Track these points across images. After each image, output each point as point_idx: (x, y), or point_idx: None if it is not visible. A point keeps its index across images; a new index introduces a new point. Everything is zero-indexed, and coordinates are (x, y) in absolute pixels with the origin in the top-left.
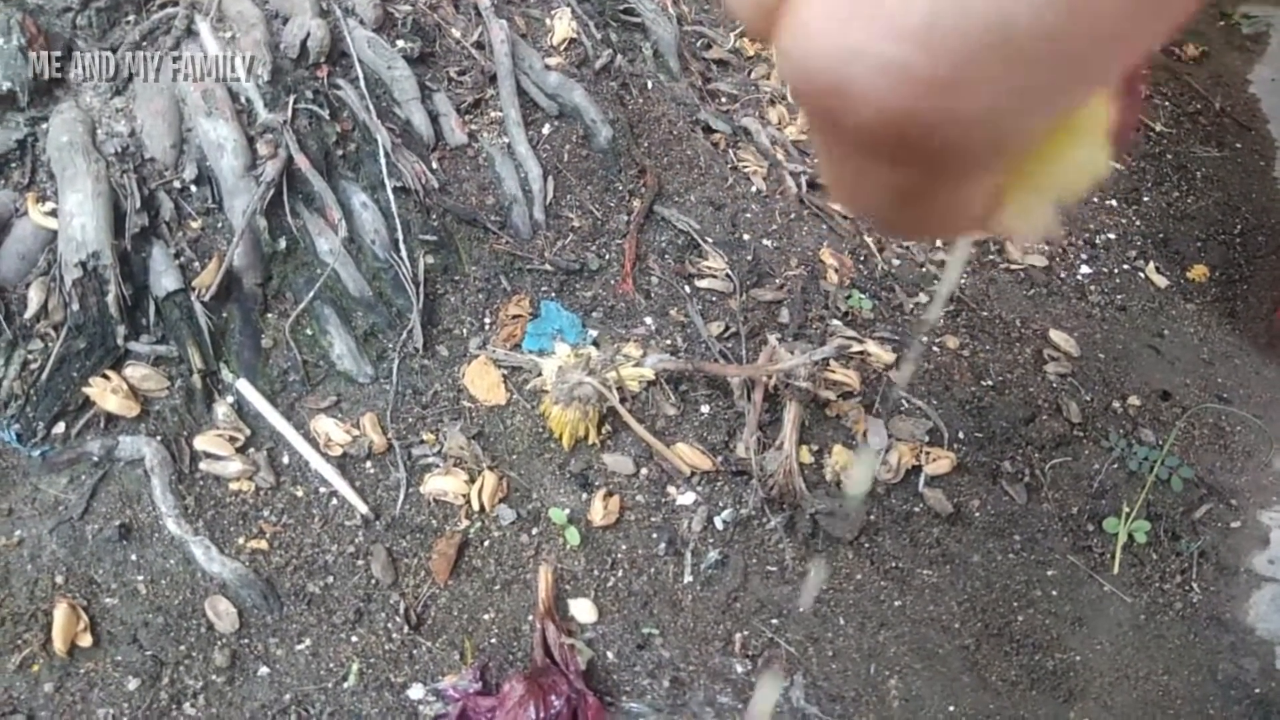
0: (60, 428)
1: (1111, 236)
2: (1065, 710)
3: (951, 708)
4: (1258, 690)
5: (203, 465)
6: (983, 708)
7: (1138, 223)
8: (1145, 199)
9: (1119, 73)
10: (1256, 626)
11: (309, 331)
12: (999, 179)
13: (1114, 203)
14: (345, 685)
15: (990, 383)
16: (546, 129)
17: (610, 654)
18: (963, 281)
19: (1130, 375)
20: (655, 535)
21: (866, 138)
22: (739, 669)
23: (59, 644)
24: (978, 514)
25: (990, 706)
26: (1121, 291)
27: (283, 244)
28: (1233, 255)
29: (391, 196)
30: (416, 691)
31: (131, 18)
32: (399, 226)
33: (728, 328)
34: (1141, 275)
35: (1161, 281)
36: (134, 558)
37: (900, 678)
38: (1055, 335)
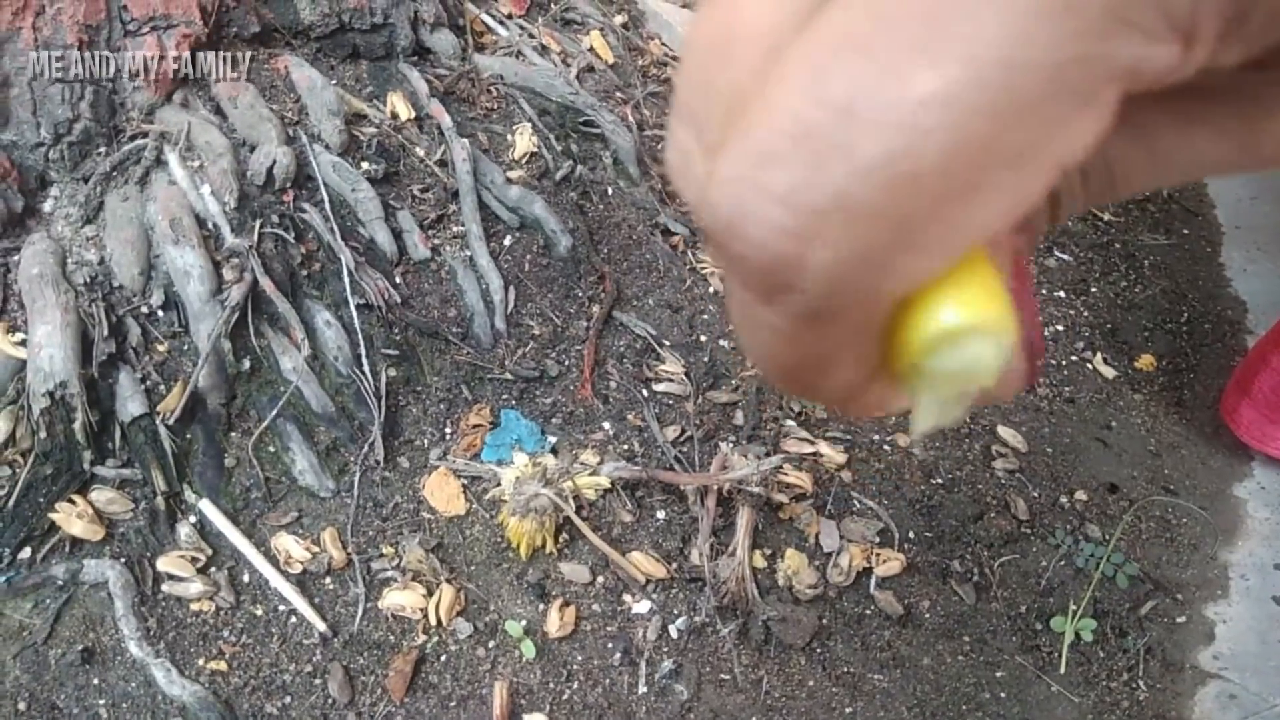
0: (26, 553)
1: (1060, 328)
2: None
3: None
4: None
5: (165, 587)
6: None
7: (1085, 313)
8: (1093, 289)
9: (971, 241)
10: None
11: (271, 449)
12: (866, 344)
13: (1062, 294)
14: None
15: (940, 480)
16: (508, 240)
17: None
18: None
19: (1078, 469)
20: (610, 645)
21: (741, 274)
22: None
23: None
24: (928, 615)
25: None
26: (1070, 384)
27: (247, 364)
28: (1179, 344)
29: (355, 313)
30: None
31: (103, 149)
32: (361, 342)
33: (684, 431)
34: (1089, 366)
35: (1109, 372)
36: (96, 681)
37: None
38: (1003, 431)
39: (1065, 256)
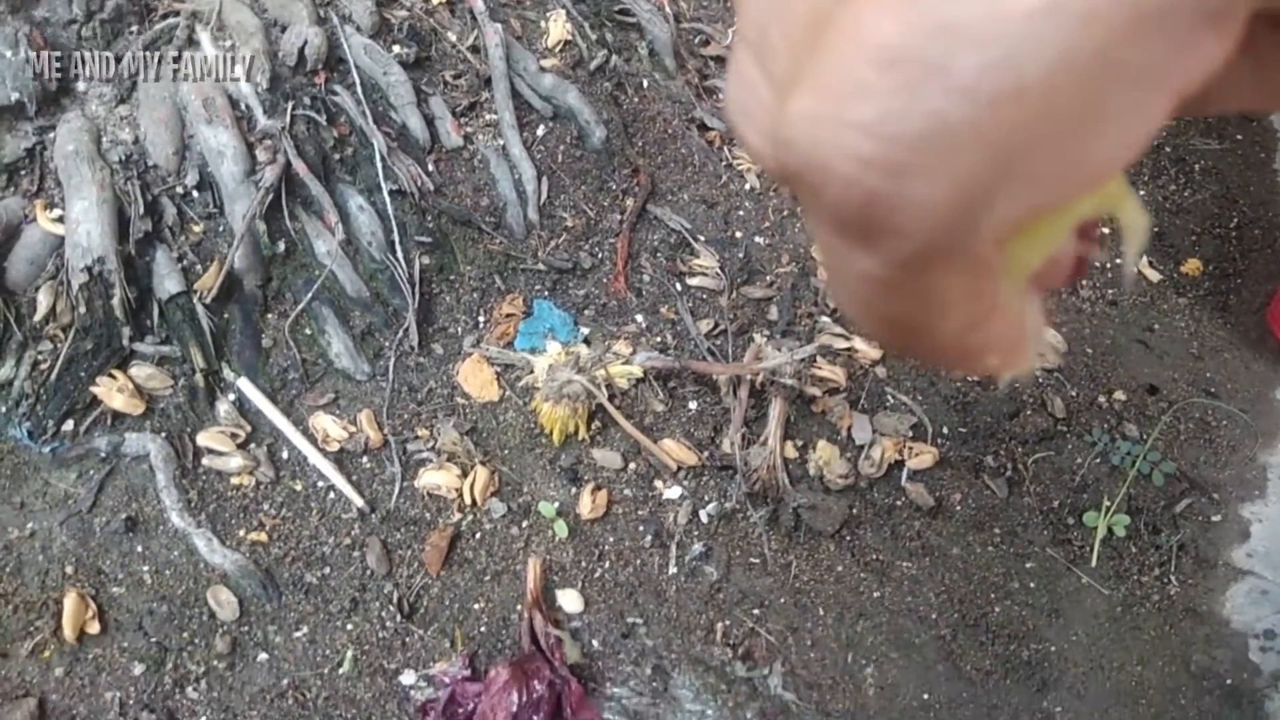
0: (69, 425)
1: (1105, 231)
2: (1039, 699)
3: (926, 695)
4: (1229, 681)
5: (205, 461)
6: (956, 696)
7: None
8: (1141, 192)
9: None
10: (1231, 619)
11: (307, 331)
12: (976, 288)
13: None
14: (340, 671)
15: (975, 378)
16: (541, 130)
17: (595, 642)
18: None
19: (1118, 370)
20: (642, 528)
21: (831, 219)
22: (720, 657)
23: (69, 631)
24: (959, 508)
25: (964, 695)
26: (1113, 286)
27: (282, 247)
28: (1227, 249)
29: (388, 199)
30: (408, 677)
31: (135, 28)
32: (395, 228)
33: (717, 325)
34: (1134, 269)
35: (1154, 276)
36: (140, 549)
37: (877, 666)
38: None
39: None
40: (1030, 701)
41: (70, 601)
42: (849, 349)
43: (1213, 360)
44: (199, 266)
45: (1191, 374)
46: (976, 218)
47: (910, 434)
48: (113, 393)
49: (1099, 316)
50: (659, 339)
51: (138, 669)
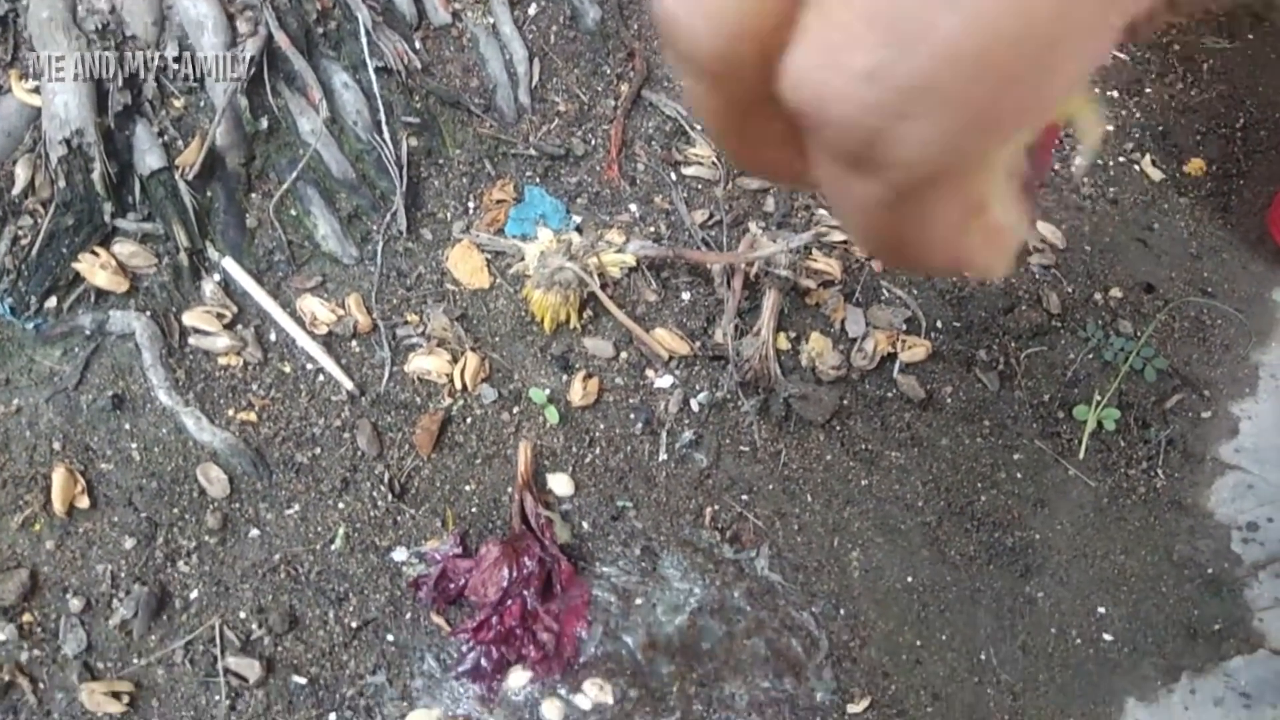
0: (52, 302)
1: (1109, 128)
2: (1021, 584)
3: (909, 579)
4: (1210, 570)
5: (191, 340)
6: (940, 579)
7: (1137, 114)
8: (1147, 90)
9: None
10: (1216, 511)
11: (293, 212)
12: (962, 201)
13: (1115, 93)
14: (332, 547)
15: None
16: (532, 9)
17: (585, 524)
18: None
19: (1115, 268)
20: (633, 416)
21: (831, 152)
22: (708, 540)
23: (58, 505)
24: (949, 400)
25: (947, 578)
26: (1114, 184)
27: (265, 124)
28: (1232, 149)
29: (373, 76)
30: (400, 554)
31: None
32: (381, 108)
33: (711, 215)
34: (1136, 168)
35: (1156, 175)
36: (127, 426)
37: (862, 550)
38: (1042, 227)
39: (1121, 55)
40: (1013, 586)
41: (59, 476)
42: (845, 242)
43: (1211, 260)
44: (180, 142)
45: (1189, 273)
46: (962, 148)
47: (904, 327)
48: (95, 269)
49: (1099, 214)
50: (652, 229)
51: (129, 543)
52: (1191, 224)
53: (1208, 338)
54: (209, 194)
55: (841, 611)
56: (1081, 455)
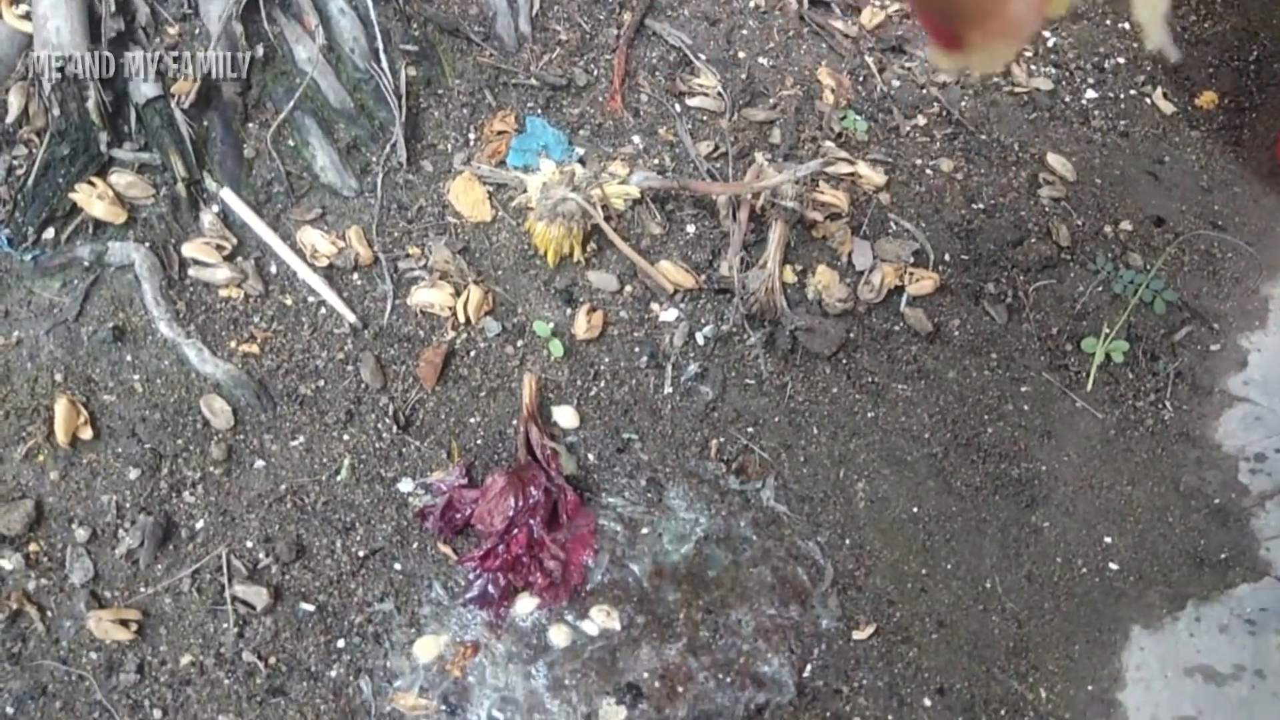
0: (50, 233)
1: (1121, 61)
2: (1027, 515)
3: (915, 509)
4: (1217, 501)
5: (191, 272)
6: (945, 510)
7: (1149, 47)
8: None
9: None
10: (1224, 443)
11: (291, 143)
12: None
13: (1126, 25)
14: (338, 478)
15: (981, 206)
16: None
17: (591, 456)
18: (962, 104)
19: (1125, 201)
20: (637, 349)
21: None
22: (714, 471)
23: (61, 436)
24: (957, 333)
25: (953, 509)
26: (1125, 117)
27: (260, 51)
28: (1244, 82)
29: (370, 3)
30: (406, 485)
31: None
32: (379, 35)
33: (717, 147)
34: (1148, 101)
35: (1168, 108)
36: (129, 358)
37: (868, 481)
38: (1053, 159)
39: None
40: (1019, 516)
41: (61, 407)
42: (852, 174)
43: (1221, 193)
44: (175, 71)
45: (1199, 206)
46: None
47: (911, 260)
48: (93, 200)
49: (1109, 147)
50: (656, 161)
51: (133, 474)
52: (1203, 157)
53: (1217, 270)
54: (205, 123)
55: (847, 541)
56: (1089, 387)
